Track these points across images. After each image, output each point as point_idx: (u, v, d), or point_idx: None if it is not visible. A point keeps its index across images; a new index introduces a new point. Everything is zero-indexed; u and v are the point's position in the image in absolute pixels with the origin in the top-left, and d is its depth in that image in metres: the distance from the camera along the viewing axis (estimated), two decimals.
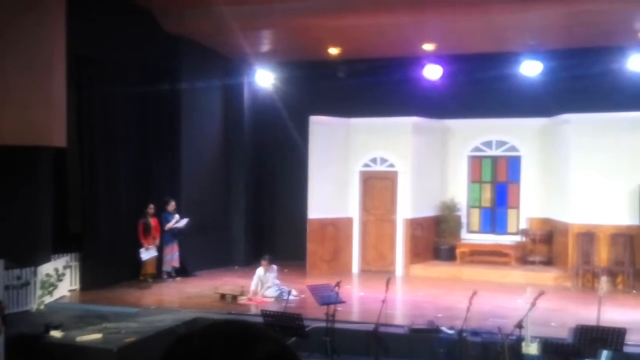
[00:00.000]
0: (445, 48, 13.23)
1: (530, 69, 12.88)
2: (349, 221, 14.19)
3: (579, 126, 12.58)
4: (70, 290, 11.43)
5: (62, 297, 11.03)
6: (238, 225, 14.75)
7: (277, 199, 15.50)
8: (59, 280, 10.95)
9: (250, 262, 14.10)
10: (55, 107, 9.89)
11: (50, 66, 9.82)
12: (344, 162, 14.13)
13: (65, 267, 11.27)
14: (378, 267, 13.79)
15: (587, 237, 12.46)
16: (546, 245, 13.68)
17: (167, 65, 12.99)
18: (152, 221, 12.44)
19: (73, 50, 10.45)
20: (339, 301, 8.31)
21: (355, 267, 14.11)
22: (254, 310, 10.04)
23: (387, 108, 13.62)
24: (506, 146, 14.29)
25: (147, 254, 12.27)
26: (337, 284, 8.34)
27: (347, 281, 11.97)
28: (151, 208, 12.40)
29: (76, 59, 10.93)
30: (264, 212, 15.55)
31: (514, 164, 14.34)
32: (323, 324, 8.12)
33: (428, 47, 13.14)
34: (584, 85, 12.47)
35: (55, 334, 8.51)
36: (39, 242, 10.53)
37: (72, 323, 9.16)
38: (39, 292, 10.34)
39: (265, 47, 13.94)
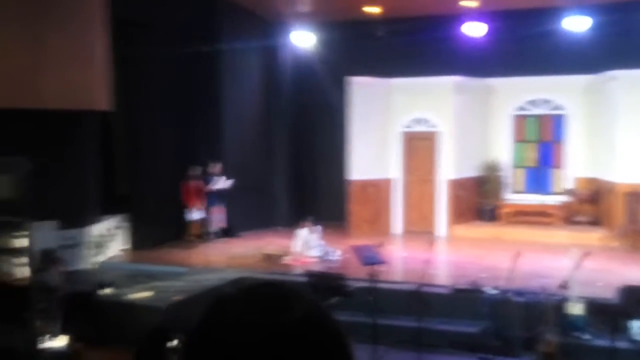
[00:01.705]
0: (487, 4, 12.87)
1: (577, 24, 12.44)
2: (390, 182, 14.14)
3: (627, 83, 12.18)
4: (121, 250, 11.77)
5: (113, 257, 11.37)
6: (280, 186, 14.87)
7: (318, 160, 15.52)
8: (110, 240, 11.27)
9: (292, 222, 14.17)
10: (98, 70, 10.00)
11: (91, 28, 9.89)
12: (384, 123, 14.02)
13: (117, 228, 11.59)
14: (420, 228, 13.77)
15: (635, 196, 12.17)
16: (592, 205, 13.44)
17: (207, 26, 12.99)
18: (198, 183, 12.62)
19: (114, 12, 10.51)
20: (381, 261, 8.35)
21: (397, 227, 14.13)
22: (298, 270, 10.18)
23: (428, 67, 13.41)
24: (551, 104, 13.96)
25: (197, 214, 12.50)
26: (380, 245, 8.37)
27: (390, 242, 11.98)
28: (196, 170, 12.57)
29: (117, 20, 11.00)
30: (305, 174, 15.59)
31: (559, 122, 14.02)
32: (366, 284, 8.19)
33: (470, 3, 12.80)
34: (631, 40, 12.03)
35: (108, 291, 8.81)
36: (88, 204, 10.80)
37: (123, 281, 9.49)
38: (91, 251, 10.66)
39: (304, 7, 13.79)
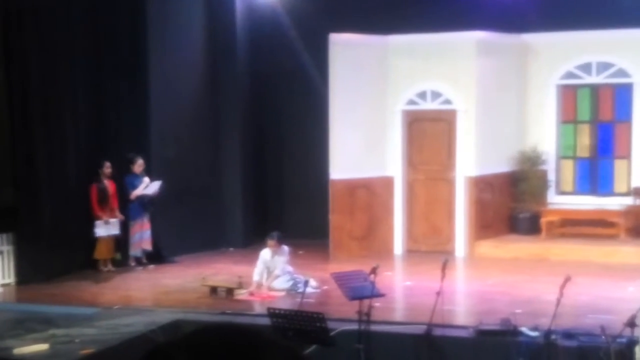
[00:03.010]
0: None
1: None
2: (388, 182, 14.18)
3: None
4: (2, 285, 11.63)
5: None
6: (232, 191, 14.80)
7: (286, 153, 15.49)
8: None
9: (250, 242, 14.17)
10: None
11: None
12: (379, 98, 14.05)
13: None
14: (430, 246, 13.82)
15: None
16: None
17: None
18: (109, 185, 12.54)
19: None
20: (375, 294, 8.37)
21: (398, 246, 14.17)
22: (258, 308, 10.17)
23: (441, 19, 13.45)
24: (612, 70, 14.09)
25: (105, 229, 12.40)
26: (373, 271, 8.39)
27: (387, 266, 12.02)
28: (107, 167, 12.50)
29: None
30: (269, 172, 15.56)
31: (623, 95, 14.16)
32: (354, 326, 8.20)
33: None
34: None
35: None
36: None
37: (7, 330, 9.34)
38: None
39: None
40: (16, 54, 11.74)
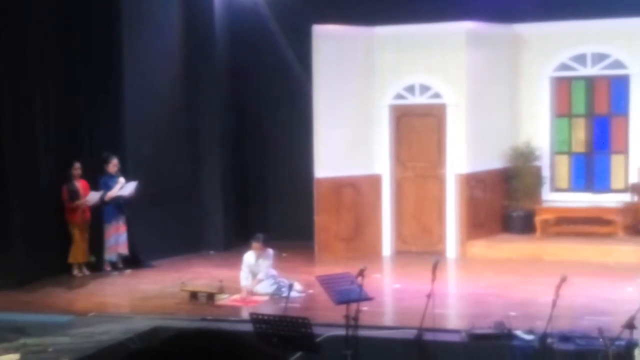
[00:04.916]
0: None
1: None
2: (375, 180, 14.19)
3: None
4: None
5: None
6: (212, 191, 14.78)
7: (269, 150, 15.48)
8: None
9: (231, 244, 14.17)
10: None
11: None
12: (365, 92, 14.06)
13: None
14: (420, 247, 13.85)
15: None
16: None
17: None
18: (80, 185, 12.53)
19: None
20: (363, 297, 8.38)
21: (387, 247, 14.19)
22: (240, 313, 10.16)
23: (429, 10, 13.48)
24: (608, 61, 14.14)
25: (95, 196, 12.47)
26: (361, 273, 8.40)
27: (376, 268, 12.04)
28: (77, 168, 12.48)
29: None
30: (250, 170, 15.54)
31: (619, 87, 14.22)
32: (342, 331, 8.21)
33: None
34: None
35: None
36: None
37: None
38: None
39: None
40: None
